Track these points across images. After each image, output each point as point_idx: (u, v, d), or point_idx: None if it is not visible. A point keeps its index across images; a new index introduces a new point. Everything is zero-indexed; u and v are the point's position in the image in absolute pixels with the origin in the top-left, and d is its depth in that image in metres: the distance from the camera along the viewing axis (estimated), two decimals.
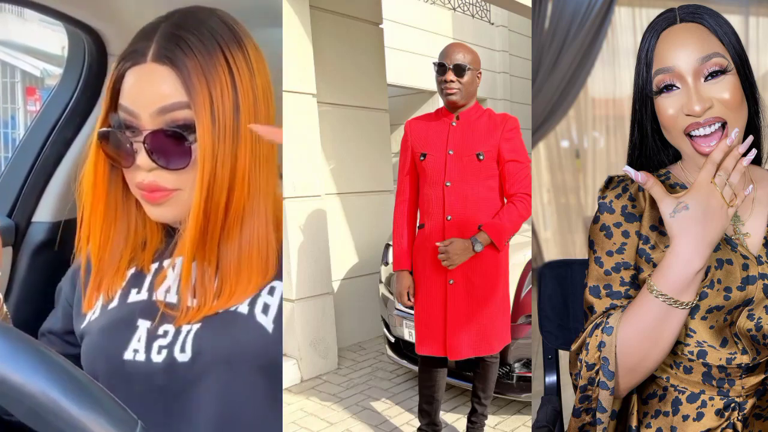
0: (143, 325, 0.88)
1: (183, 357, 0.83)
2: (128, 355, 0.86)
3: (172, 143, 0.83)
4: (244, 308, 0.86)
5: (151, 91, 0.83)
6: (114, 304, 0.91)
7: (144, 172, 0.84)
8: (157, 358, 0.84)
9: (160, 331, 0.86)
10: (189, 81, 0.83)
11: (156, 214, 0.88)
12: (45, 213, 1.42)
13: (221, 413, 0.82)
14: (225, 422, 0.82)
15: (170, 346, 0.85)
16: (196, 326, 0.85)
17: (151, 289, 0.91)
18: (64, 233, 1.32)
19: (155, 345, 0.86)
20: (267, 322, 0.86)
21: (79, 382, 0.54)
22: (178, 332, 0.86)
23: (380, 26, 4.05)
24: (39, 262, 1.40)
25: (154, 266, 0.93)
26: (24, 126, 10.21)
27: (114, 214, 0.92)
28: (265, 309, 0.86)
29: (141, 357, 0.85)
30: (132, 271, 0.94)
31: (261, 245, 0.88)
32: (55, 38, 9.38)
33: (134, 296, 0.91)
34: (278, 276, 0.88)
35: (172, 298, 0.89)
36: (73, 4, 1.19)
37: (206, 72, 0.84)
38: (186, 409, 0.83)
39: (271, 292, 0.87)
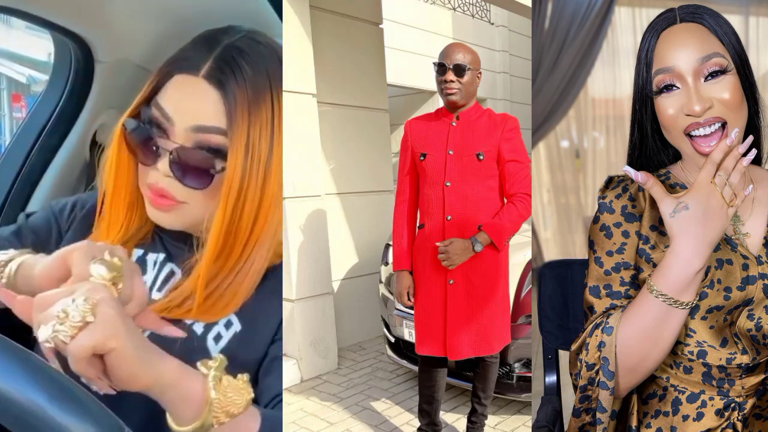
0: None
1: None
2: None
3: (198, 163, 0.84)
4: (198, 328, 0.88)
5: (193, 105, 0.84)
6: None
7: (160, 176, 0.85)
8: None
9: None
10: (233, 111, 0.83)
11: (155, 217, 0.89)
12: None
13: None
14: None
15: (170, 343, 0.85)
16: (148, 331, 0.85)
17: None
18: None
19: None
20: (214, 349, 0.88)
21: (66, 388, 0.53)
22: None
23: (380, 26, 4.05)
24: None
25: (137, 252, 0.94)
26: (9, 133, 10.22)
27: (131, 199, 0.93)
28: (217, 338, 0.88)
29: None
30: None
31: (257, 279, 0.89)
32: (41, 45, 9.40)
33: None
34: (238, 312, 0.89)
35: (156, 295, 0.91)
36: (59, 12, 1.19)
37: (251, 108, 0.84)
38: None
39: (228, 325, 0.89)
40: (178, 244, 0.94)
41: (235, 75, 0.84)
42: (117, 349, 0.63)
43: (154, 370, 0.67)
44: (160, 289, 0.92)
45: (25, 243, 0.93)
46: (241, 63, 0.85)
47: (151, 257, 0.94)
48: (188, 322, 0.87)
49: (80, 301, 0.62)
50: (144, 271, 0.93)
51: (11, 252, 0.79)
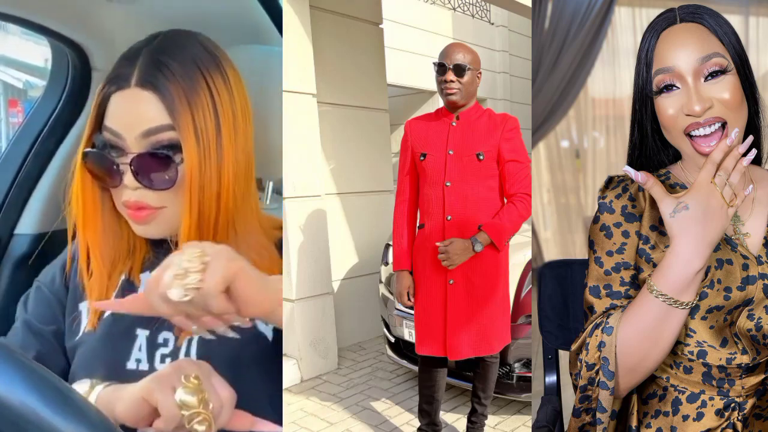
0: (142, 334, 0.91)
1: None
2: (131, 364, 0.89)
3: (157, 165, 0.87)
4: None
5: (135, 115, 0.87)
6: (108, 313, 0.93)
7: (130, 191, 0.88)
8: (161, 366, 0.88)
9: (160, 339, 0.90)
10: (172, 104, 0.87)
11: (142, 231, 0.92)
12: (28, 225, 1.42)
13: None
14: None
15: (174, 355, 0.89)
16: (196, 338, 0.89)
17: None
18: (46, 245, 1.33)
19: (158, 354, 0.90)
20: (267, 330, 0.90)
21: (61, 393, 0.53)
22: (178, 340, 0.90)
23: (380, 26, 4.05)
24: (21, 275, 1.40)
25: (144, 276, 0.96)
26: (6, 138, 10.23)
27: (103, 228, 0.95)
28: (263, 337, 0.90)
29: (144, 366, 0.89)
30: (122, 278, 0.96)
31: (258, 253, 0.91)
32: (37, 51, 9.43)
33: None
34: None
35: None
36: (57, 19, 1.19)
37: (188, 95, 0.88)
38: None
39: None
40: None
41: (163, 72, 0.88)
42: (240, 271, 0.69)
43: (274, 285, 0.73)
44: None
45: (46, 339, 0.95)
46: (165, 60, 0.89)
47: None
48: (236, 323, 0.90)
49: (187, 254, 0.68)
50: None
51: (86, 383, 0.84)
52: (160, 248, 0.97)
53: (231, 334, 0.76)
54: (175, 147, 0.87)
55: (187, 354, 0.88)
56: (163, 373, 0.75)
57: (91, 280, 0.95)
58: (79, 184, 0.92)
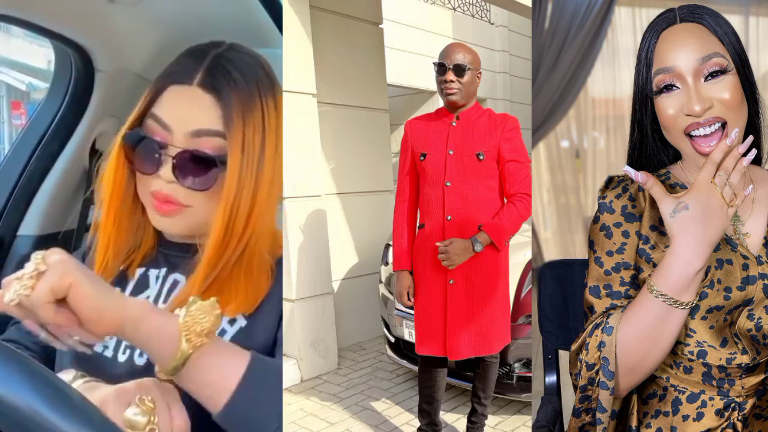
0: None
1: (140, 360, 0.89)
2: (97, 347, 0.90)
3: (201, 166, 0.88)
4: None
5: (190, 112, 0.88)
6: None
7: (162, 182, 0.88)
8: (122, 358, 0.90)
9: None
10: (229, 114, 0.89)
11: (162, 225, 0.93)
12: (31, 226, 1.43)
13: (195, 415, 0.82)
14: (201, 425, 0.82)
15: (132, 347, 0.90)
16: None
17: (134, 295, 0.94)
18: (49, 247, 1.33)
19: (123, 344, 0.91)
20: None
21: (65, 395, 0.54)
22: None
23: (380, 26, 4.05)
24: None
25: (140, 271, 0.97)
26: (9, 140, 10.25)
27: (123, 217, 0.95)
28: (221, 333, 0.90)
29: (109, 353, 0.90)
30: (120, 268, 0.97)
31: (256, 272, 0.92)
32: (40, 53, 9.44)
33: None
34: (252, 308, 0.91)
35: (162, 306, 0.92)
36: (60, 21, 1.19)
37: (244, 110, 0.90)
38: None
39: (232, 321, 0.91)
40: (179, 254, 0.96)
41: (228, 81, 0.90)
42: (74, 284, 0.68)
43: (118, 305, 0.71)
44: (165, 300, 0.94)
45: None
46: (231, 70, 0.91)
47: (153, 273, 0.97)
48: None
49: (32, 258, 0.68)
50: (146, 286, 0.96)
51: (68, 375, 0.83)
52: (169, 248, 0.98)
53: (90, 352, 0.76)
54: (218, 155, 0.89)
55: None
56: (124, 387, 0.76)
57: (100, 269, 0.95)
58: (113, 166, 0.92)
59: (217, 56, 0.92)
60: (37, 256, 0.68)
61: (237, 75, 0.91)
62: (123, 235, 0.95)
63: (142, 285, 0.96)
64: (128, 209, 0.95)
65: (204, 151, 0.88)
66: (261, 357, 0.79)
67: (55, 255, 0.69)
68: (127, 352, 0.90)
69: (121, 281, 0.96)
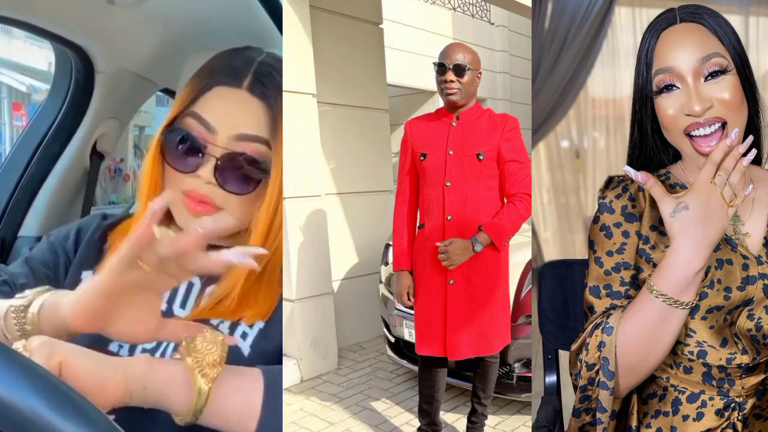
0: None
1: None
2: (113, 347, 0.88)
3: (244, 170, 0.87)
4: (224, 328, 0.88)
5: (238, 116, 0.88)
6: None
7: (201, 182, 0.87)
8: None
9: None
10: (275, 122, 0.89)
11: (186, 224, 0.90)
12: (32, 227, 1.43)
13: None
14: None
15: (152, 352, 0.87)
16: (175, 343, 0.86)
17: (171, 302, 0.93)
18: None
19: (139, 347, 0.88)
20: (244, 345, 0.88)
21: (65, 394, 0.53)
22: (159, 342, 0.88)
23: (380, 26, 4.05)
24: None
25: None
26: (10, 141, 10.25)
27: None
28: (244, 335, 0.89)
29: (125, 353, 0.87)
30: None
31: (273, 276, 0.92)
32: (41, 54, 9.45)
33: None
34: (269, 313, 0.90)
35: (163, 306, 0.90)
36: (60, 22, 1.19)
37: (280, 115, 0.90)
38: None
39: (251, 326, 0.90)
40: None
41: (276, 88, 0.90)
42: (64, 362, 0.63)
43: (117, 368, 0.67)
44: (183, 305, 0.92)
45: (39, 277, 0.93)
46: (275, 78, 0.91)
47: None
48: (215, 322, 0.88)
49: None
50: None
51: (28, 294, 0.77)
52: None
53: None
54: (263, 161, 0.88)
55: (164, 353, 0.87)
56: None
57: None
58: (150, 162, 0.91)
59: (262, 62, 0.92)
60: (17, 347, 0.64)
61: (279, 82, 0.92)
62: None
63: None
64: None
65: (252, 155, 0.87)
66: (269, 368, 0.77)
67: (35, 340, 0.65)
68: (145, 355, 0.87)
69: None
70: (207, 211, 0.88)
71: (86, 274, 0.95)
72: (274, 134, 0.89)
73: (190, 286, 0.94)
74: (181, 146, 0.88)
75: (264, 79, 0.90)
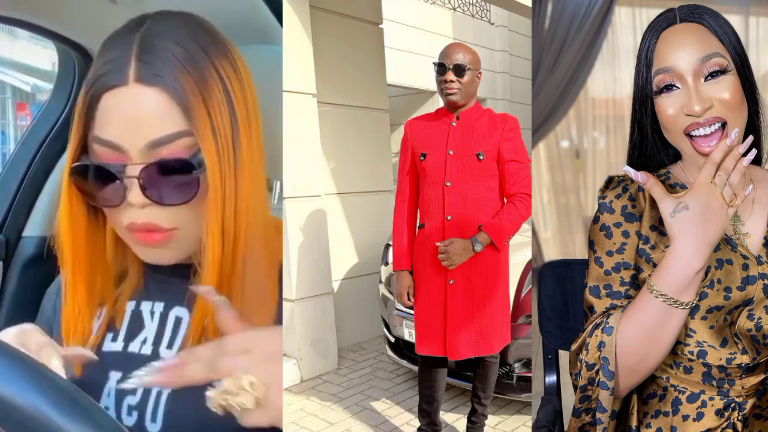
0: (114, 377, 0.81)
1: (153, 427, 0.77)
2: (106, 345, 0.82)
3: (174, 174, 0.72)
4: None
5: (139, 121, 0.70)
6: (89, 346, 0.81)
7: (136, 210, 0.73)
8: (128, 420, 0.78)
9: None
10: (186, 102, 0.71)
11: (153, 257, 0.78)
12: (35, 227, 1.43)
13: None
14: None
15: (140, 408, 0.79)
16: (167, 391, 0.77)
17: (128, 339, 0.83)
18: (54, 247, 1.33)
19: (125, 403, 0.79)
20: None
21: (69, 395, 0.53)
22: (147, 393, 0.79)
23: (380, 26, 4.05)
24: (29, 277, 1.41)
25: (130, 306, 0.85)
26: (14, 141, 10.26)
27: (92, 260, 0.81)
28: None
29: (111, 414, 0.75)
30: (104, 309, 0.85)
31: (264, 272, 0.79)
32: (45, 54, 9.46)
33: (109, 344, 0.84)
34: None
35: (147, 350, 0.82)
36: (63, 22, 1.19)
37: (201, 88, 0.72)
38: None
39: None
40: (174, 280, 0.82)
41: (168, 61, 0.71)
42: None
43: None
44: (170, 345, 0.81)
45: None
46: (167, 46, 0.72)
47: (146, 307, 0.84)
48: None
49: None
50: (142, 326, 0.83)
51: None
52: (158, 273, 0.84)
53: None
54: (192, 154, 0.73)
55: (154, 413, 0.77)
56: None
57: (71, 320, 0.81)
58: (66, 207, 0.77)
59: (143, 35, 0.72)
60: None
61: (175, 48, 0.72)
62: (97, 281, 0.82)
63: (137, 325, 0.82)
64: (99, 251, 0.81)
65: (175, 157, 0.72)
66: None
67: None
68: (133, 414, 0.79)
69: (110, 324, 0.83)
70: (161, 238, 0.74)
71: None
72: (190, 117, 0.71)
73: (178, 322, 0.82)
74: (96, 180, 0.73)
75: (151, 57, 0.70)
